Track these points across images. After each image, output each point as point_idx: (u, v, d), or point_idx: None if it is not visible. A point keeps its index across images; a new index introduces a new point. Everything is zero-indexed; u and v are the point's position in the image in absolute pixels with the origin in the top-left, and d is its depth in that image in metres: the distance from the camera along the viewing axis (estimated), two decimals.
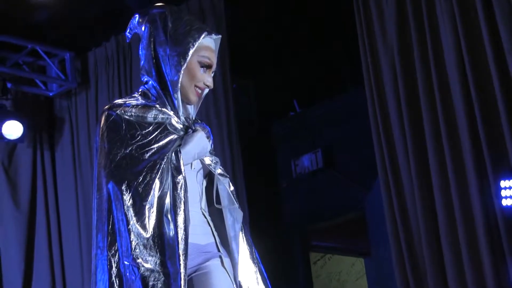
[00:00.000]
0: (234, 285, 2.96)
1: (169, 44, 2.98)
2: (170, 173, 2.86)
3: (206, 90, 3.08)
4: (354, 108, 6.69)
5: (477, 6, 5.40)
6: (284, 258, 7.50)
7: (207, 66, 3.03)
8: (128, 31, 3.18)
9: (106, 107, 3.00)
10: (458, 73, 5.51)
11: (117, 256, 2.81)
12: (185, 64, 2.96)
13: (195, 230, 2.94)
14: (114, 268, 2.81)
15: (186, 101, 3.05)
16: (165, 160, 2.87)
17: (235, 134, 6.93)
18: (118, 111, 2.95)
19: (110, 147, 2.89)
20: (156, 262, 2.77)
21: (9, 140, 7.47)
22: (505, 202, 4.89)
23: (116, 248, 2.81)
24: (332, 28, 6.63)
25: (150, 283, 2.74)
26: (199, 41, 2.97)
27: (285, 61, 7.15)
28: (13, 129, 7.37)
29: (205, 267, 2.94)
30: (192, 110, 3.11)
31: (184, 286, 2.73)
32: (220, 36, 3.11)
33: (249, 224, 6.63)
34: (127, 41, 3.27)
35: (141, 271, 2.75)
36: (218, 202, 3.08)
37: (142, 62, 3.06)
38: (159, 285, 2.74)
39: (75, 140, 7.86)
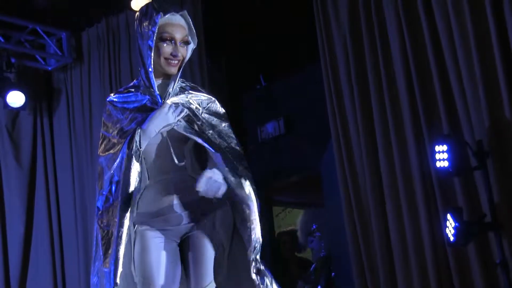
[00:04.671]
0: (211, 247, 3.06)
1: (141, 40, 3.03)
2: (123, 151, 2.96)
3: (180, 59, 3.09)
4: (312, 81, 6.75)
5: None
6: None
7: (169, 39, 3.04)
8: None
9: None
10: (400, 54, 5.60)
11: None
12: (152, 51, 3.00)
13: (177, 188, 3.06)
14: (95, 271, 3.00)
15: (168, 74, 3.09)
16: (127, 139, 2.97)
17: None
18: (110, 100, 3.13)
19: (102, 132, 3.11)
20: (101, 260, 2.92)
21: (13, 108, 7.49)
22: (439, 164, 4.92)
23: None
24: (295, 11, 6.72)
25: (98, 280, 2.93)
26: (157, 26, 2.99)
27: (253, 40, 7.21)
28: (16, 99, 7.38)
29: (195, 233, 3.07)
30: (171, 84, 3.10)
31: (118, 279, 2.85)
32: (180, 13, 3.07)
33: None
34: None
35: (96, 270, 2.96)
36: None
37: None
38: (102, 280, 2.90)
39: (70, 108, 7.86)
